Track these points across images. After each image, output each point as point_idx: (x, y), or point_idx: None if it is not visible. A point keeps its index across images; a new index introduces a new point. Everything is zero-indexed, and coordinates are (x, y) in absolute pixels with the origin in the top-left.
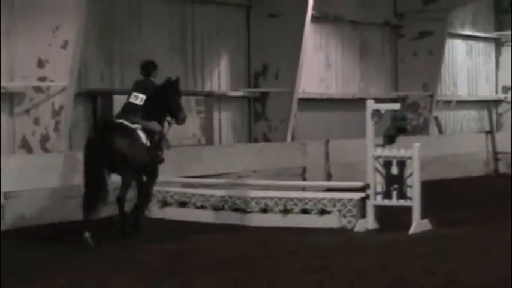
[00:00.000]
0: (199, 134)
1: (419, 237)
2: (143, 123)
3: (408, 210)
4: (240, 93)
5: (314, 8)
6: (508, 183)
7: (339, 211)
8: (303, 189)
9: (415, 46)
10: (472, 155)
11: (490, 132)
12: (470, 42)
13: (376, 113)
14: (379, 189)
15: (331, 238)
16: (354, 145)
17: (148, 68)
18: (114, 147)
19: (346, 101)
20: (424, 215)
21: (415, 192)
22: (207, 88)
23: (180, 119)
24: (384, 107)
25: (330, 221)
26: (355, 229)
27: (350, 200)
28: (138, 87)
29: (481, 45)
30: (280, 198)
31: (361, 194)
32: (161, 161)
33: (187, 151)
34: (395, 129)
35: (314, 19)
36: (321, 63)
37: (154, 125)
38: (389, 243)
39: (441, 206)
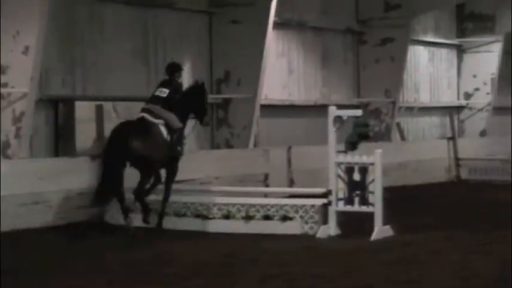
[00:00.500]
0: None
1: (381, 244)
2: (164, 114)
3: (370, 216)
4: None
5: (276, 14)
6: (467, 189)
7: (301, 217)
8: (266, 195)
9: (377, 52)
10: (434, 161)
11: (452, 138)
12: (432, 48)
13: (338, 119)
14: (341, 195)
15: (293, 244)
16: (316, 151)
17: (173, 69)
18: (133, 145)
19: (309, 107)
20: (386, 221)
21: (377, 198)
22: None
23: (204, 121)
24: (346, 113)
25: (293, 227)
26: (317, 235)
27: (312, 206)
28: (163, 84)
29: (443, 51)
30: (242, 205)
31: (324, 200)
32: (180, 155)
33: None
34: (357, 136)
35: (276, 25)
36: (284, 70)
37: (174, 119)
38: (351, 249)
39: (403, 212)
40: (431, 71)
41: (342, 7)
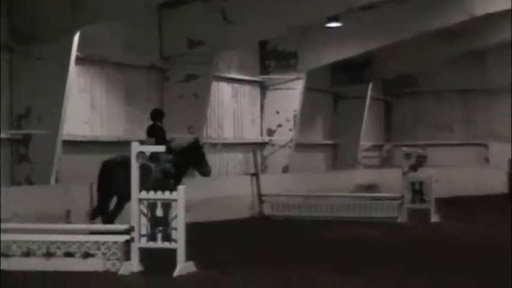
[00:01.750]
0: None
1: (184, 280)
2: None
3: (173, 252)
4: (1, 136)
5: (79, 49)
6: (270, 225)
7: (103, 254)
8: (68, 232)
9: (180, 89)
10: (237, 198)
11: (255, 174)
12: (236, 85)
13: (141, 155)
14: (143, 231)
15: (95, 282)
16: None
17: (155, 115)
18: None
19: (112, 143)
20: (190, 257)
21: (179, 234)
22: None
23: (203, 172)
24: (149, 149)
25: (95, 264)
26: (120, 272)
27: (115, 242)
28: (150, 132)
29: (246, 88)
30: (43, 242)
31: (126, 237)
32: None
33: None
34: (161, 173)
35: (79, 61)
36: (86, 105)
37: (168, 166)
38: (152, 286)
39: (206, 249)
40: (235, 107)
41: (146, 43)
